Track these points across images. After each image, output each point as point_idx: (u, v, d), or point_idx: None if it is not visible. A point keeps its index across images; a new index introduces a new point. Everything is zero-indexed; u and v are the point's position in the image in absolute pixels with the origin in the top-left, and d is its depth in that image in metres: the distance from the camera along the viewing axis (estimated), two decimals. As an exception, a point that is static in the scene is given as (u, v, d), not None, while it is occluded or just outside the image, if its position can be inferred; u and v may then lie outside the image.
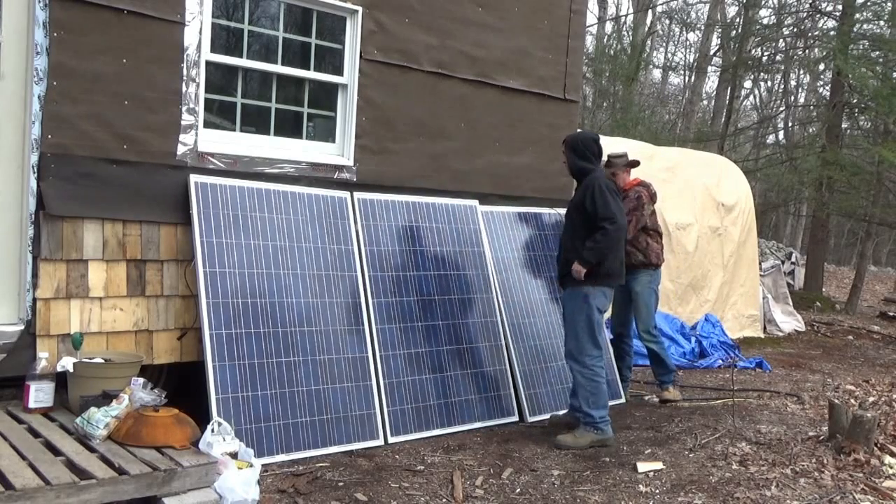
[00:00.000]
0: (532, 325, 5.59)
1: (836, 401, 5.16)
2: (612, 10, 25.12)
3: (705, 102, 25.74)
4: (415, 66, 5.31)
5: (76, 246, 4.01)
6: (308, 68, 4.97)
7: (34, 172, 3.91)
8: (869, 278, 18.73)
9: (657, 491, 4.01)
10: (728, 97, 20.79)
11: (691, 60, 26.93)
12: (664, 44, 27.88)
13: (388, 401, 4.66)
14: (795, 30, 18.63)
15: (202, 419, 3.74)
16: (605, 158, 5.47)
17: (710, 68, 22.92)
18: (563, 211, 6.18)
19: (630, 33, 22.21)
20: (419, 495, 3.81)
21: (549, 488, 4.02)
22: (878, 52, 14.72)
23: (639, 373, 6.82)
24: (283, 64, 4.86)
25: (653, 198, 6.02)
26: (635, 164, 5.98)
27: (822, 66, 18.83)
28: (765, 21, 20.55)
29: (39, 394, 3.73)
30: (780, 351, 8.91)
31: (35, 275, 3.91)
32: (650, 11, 22.42)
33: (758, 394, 6.39)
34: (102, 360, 3.88)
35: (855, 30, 15.32)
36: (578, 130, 5.53)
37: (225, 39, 4.67)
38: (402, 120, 5.30)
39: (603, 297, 4.79)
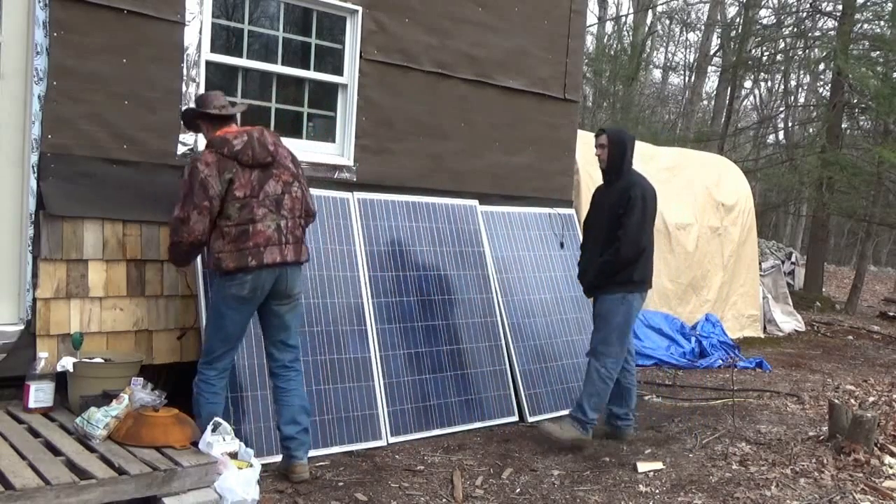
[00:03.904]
0: (532, 325, 5.59)
1: (836, 401, 5.16)
2: (612, 10, 25.12)
3: (705, 102, 25.73)
4: (415, 66, 5.31)
5: (76, 246, 4.00)
6: (308, 68, 4.96)
7: (34, 172, 3.91)
8: (869, 278, 18.72)
9: (657, 491, 4.01)
10: (728, 97, 20.78)
11: (691, 60, 26.94)
12: (664, 44, 27.86)
13: (388, 401, 4.66)
14: (795, 30, 18.61)
15: (202, 419, 3.73)
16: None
17: (710, 68, 22.92)
18: (562, 211, 6.20)
19: (630, 33, 22.20)
20: (419, 495, 3.81)
21: (549, 488, 4.02)
22: (878, 52, 14.71)
23: (639, 372, 6.81)
24: (283, 64, 4.85)
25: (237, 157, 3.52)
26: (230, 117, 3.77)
27: (822, 66, 18.81)
28: (765, 21, 20.54)
29: (39, 394, 3.73)
30: (780, 351, 8.90)
31: (35, 275, 3.91)
32: (650, 11, 22.41)
33: (758, 394, 6.39)
34: (102, 360, 3.88)
35: (855, 30, 15.33)
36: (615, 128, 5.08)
37: (225, 39, 4.67)
38: (402, 120, 5.30)
39: (640, 301, 4.77)
